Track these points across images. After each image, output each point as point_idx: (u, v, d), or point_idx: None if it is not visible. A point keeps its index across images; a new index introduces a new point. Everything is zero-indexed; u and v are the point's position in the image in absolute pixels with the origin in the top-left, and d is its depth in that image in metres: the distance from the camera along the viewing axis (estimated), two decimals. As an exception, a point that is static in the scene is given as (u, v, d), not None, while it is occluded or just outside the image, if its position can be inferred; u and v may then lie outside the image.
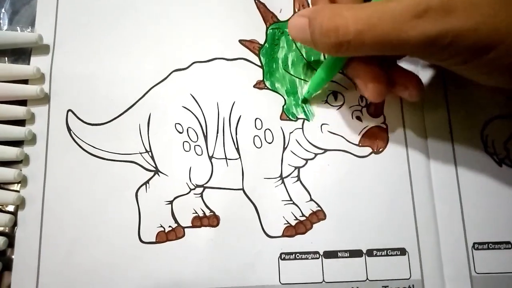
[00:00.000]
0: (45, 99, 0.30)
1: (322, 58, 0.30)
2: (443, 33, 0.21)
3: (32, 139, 0.29)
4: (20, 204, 0.28)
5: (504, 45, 0.21)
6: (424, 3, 0.21)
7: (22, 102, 0.30)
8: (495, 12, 0.20)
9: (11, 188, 0.29)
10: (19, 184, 0.29)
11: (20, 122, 0.30)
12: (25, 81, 0.30)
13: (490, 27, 0.20)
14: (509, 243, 0.27)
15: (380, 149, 0.29)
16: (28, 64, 0.31)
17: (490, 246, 0.27)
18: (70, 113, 0.30)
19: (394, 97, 0.29)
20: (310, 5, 0.30)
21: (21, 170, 0.29)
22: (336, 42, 0.23)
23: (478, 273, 0.27)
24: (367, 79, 0.26)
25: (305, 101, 0.29)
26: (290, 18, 0.30)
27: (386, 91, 0.26)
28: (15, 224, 0.28)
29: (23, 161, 0.29)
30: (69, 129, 0.30)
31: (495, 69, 0.22)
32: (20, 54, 0.31)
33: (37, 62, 0.31)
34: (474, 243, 0.27)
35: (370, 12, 0.22)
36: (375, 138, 0.29)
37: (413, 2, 0.21)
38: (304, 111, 0.29)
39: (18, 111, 0.29)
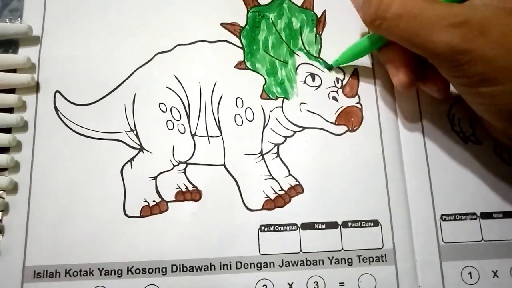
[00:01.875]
0: (33, 86, 0.30)
1: (300, 43, 0.31)
2: (467, 50, 0.21)
3: (24, 126, 0.30)
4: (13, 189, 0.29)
5: (502, 86, 0.21)
6: (464, 15, 0.22)
7: (9, 90, 0.30)
8: None
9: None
10: (7, 170, 0.29)
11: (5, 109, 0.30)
12: (12, 69, 0.30)
13: (504, 63, 0.21)
14: (475, 214, 0.29)
15: (355, 127, 0.30)
16: (16, 51, 0.31)
17: (457, 217, 0.29)
18: (57, 94, 0.30)
19: (373, 81, 0.31)
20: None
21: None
22: (373, 13, 0.24)
23: (445, 242, 0.28)
24: (401, 65, 0.27)
25: (330, 67, 0.31)
26: (270, 2, 0.32)
27: (414, 81, 0.27)
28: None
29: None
30: (56, 110, 0.30)
31: (492, 105, 0.23)
32: (8, 42, 0.31)
33: (26, 50, 0.31)
34: (442, 215, 0.29)
35: (417, 3, 0.23)
36: (350, 117, 0.30)
37: (455, 11, 0.22)
38: (284, 90, 0.31)
39: (10, 99, 0.30)
